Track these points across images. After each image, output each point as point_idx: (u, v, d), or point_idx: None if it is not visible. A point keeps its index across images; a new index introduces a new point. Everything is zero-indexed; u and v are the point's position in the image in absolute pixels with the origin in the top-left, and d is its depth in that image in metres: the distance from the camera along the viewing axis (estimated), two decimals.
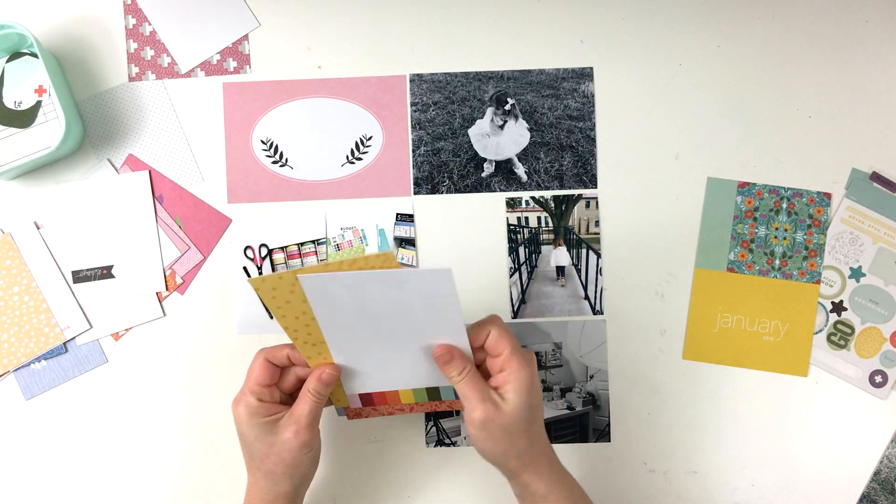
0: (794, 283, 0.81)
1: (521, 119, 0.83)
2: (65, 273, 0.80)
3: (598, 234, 0.82)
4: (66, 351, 0.80)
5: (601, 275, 0.82)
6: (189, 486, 0.80)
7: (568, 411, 0.81)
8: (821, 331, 0.81)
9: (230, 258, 0.81)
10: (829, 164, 0.82)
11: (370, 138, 0.82)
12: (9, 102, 0.80)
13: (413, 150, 0.82)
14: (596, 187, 0.82)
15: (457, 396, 0.65)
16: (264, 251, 0.81)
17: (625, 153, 0.82)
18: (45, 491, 0.79)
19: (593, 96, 0.82)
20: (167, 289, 0.81)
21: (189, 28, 0.82)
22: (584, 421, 0.81)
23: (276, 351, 0.66)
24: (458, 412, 0.80)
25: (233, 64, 0.82)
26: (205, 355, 0.81)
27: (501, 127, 0.82)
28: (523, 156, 0.82)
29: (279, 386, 0.67)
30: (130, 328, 0.80)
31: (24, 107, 0.80)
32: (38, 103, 0.80)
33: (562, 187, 0.82)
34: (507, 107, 0.83)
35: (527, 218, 0.82)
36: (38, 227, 0.80)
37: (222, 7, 0.83)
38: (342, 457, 0.80)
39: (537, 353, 0.81)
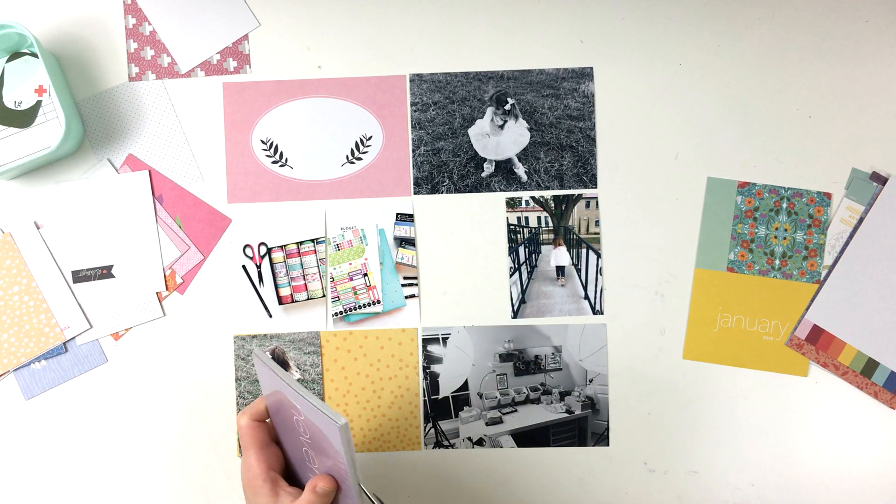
0: (794, 282, 0.81)
1: (521, 119, 0.83)
2: (65, 273, 0.80)
3: (598, 234, 0.82)
4: (66, 351, 0.80)
5: (601, 275, 0.82)
6: (189, 486, 0.80)
7: (567, 415, 0.81)
8: None
9: (230, 258, 0.81)
10: (829, 164, 0.82)
11: (370, 138, 0.82)
12: (9, 102, 0.80)
13: (413, 150, 0.82)
14: (596, 187, 0.82)
15: None
16: (263, 250, 0.81)
17: (625, 153, 0.82)
18: (45, 491, 0.79)
19: (593, 96, 0.82)
20: (167, 289, 0.81)
21: (189, 28, 0.83)
22: (583, 425, 0.81)
23: (255, 405, 0.65)
24: (457, 414, 0.80)
25: (233, 64, 0.82)
26: (205, 355, 0.81)
27: (501, 127, 0.82)
28: (523, 156, 0.82)
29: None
30: (130, 328, 0.80)
31: (24, 107, 0.80)
32: (38, 103, 0.81)
33: (562, 187, 0.82)
34: (507, 107, 0.83)
35: (527, 218, 0.82)
36: (38, 227, 0.81)
37: (222, 7, 0.83)
38: None
39: (536, 357, 0.81)
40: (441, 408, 0.80)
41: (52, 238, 0.80)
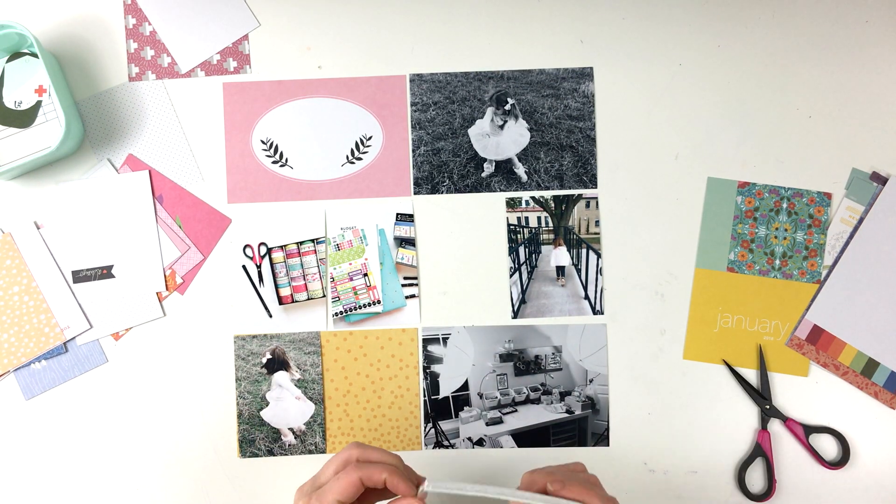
0: (794, 282, 0.81)
1: (521, 119, 0.83)
2: (65, 273, 0.80)
3: (598, 234, 0.82)
4: (66, 351, 0.80)
5: (601, 275, 0.82)
6: (189, 486, 0.80)
7: (567, 415, 0.81)
8: None
9: (230, 258, 0.81)
10: (829, 164, 0.82)
11: (370, 138, 0.82)
12: (9, 102, 0.80)
13: (413, 150, 0.82)
14: (596, 187, 0.82)
15: None
16: (263, 250, 0.81)
17: (625, 153, 0.82)
18: (45, 491, 0.79)
19: (593, 96, 0.82)
20: (167, 289, 0.81)
21: (189, 28, 0.83)
22: (583, 425, 0.81)
23: (373, 472, 0.58)
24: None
25: (233, 64, 0.82)
26: (205, 355, 0.81)
27: (501, 127, 0.82)
28: (523, 156, 0.82)
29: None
30: (130, 328, 0.80)
31: (24, 107, 0.80)
32: (38, 103, 0.81)
33: (562, 187, 0.82)
34: (507, 107, 0.83)
35: (527, 218, 0.82)
36: (38, 227, 0.81)
37: (222, 7, 0.83)
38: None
39: (536, 357, 0.81)
40: (441, 408, 0.80)
41: (52, 238, 0.80)
